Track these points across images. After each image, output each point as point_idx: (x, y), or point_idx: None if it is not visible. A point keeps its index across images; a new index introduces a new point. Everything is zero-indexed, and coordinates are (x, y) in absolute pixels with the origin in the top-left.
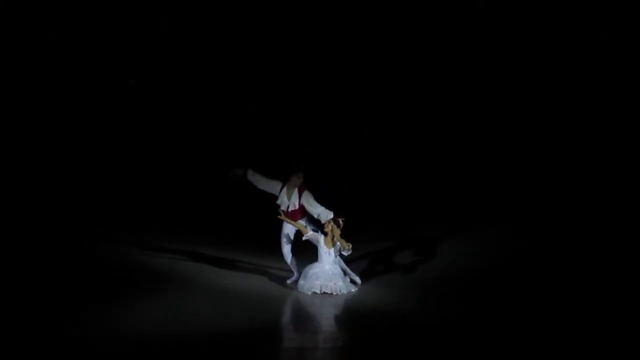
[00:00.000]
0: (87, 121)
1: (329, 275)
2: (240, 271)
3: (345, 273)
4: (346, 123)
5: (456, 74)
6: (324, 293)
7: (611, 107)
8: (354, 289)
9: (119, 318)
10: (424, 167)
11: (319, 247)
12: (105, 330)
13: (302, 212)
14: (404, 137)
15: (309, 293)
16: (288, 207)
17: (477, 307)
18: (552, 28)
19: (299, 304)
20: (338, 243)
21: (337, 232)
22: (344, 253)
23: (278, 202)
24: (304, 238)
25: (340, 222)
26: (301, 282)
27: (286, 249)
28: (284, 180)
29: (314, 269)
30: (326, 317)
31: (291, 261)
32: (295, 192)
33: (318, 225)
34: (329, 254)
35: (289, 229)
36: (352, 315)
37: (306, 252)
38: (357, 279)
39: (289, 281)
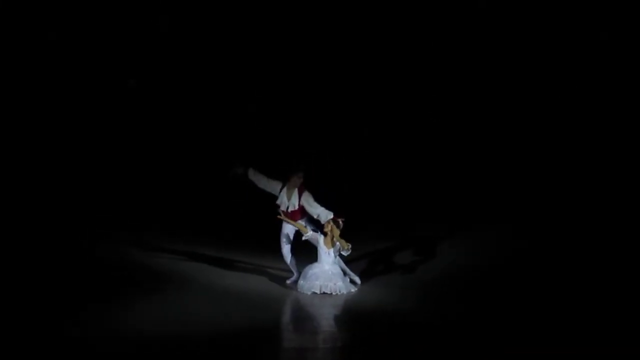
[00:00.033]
0: (87, 121)
1: (328, 275)
2: (240, 271)
3: (345, 273)
4: (346, 123)
5: (456, 74)
6: (324, 293)
7: (611, 107)
8: (353, 289)
9: (119, 318)
10: (424, 167)
11: (318, 248)
12: (105, 330)
13: (301, 213)
14: (404, 137)
15: (309, 293)
16: (288, 207)
17: (477, 307)
18: (552, 28)
19: (298, 304)
20: (337, 243)
21: (337, 232)
22: (344, 253)
23: (278, 202)
24: (303, 238)
25: (340, 222)
26: (301, 282)
27: (286, 249)
28: (284, 180)
29: (314, 269)
30: (326, 318)
31: (291, 261)
32: (295, 192)
33: (317, 226)
34: (329, 254)
35: (288, 229)
36: (351, 316)
37: (306, 253)
38: (357, 279)
39: (288, 281)
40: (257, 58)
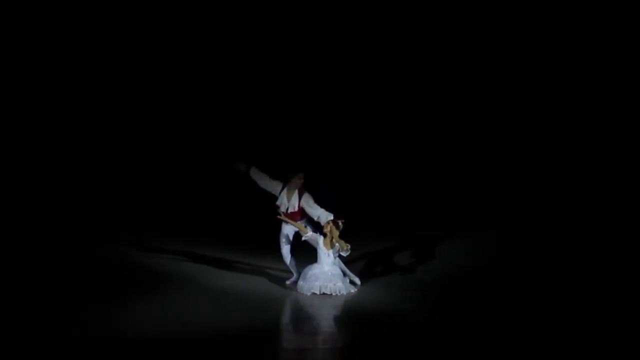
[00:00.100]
0: (87, 121)
1: (328, 276)
2: (239, 272)
3: (344, 274)
4: (346, 123)
5: (456, 74)
6: (323, 294)
7: (611, 107)
8: (353, 290)
9: (119, 318)
10: (424, 167)
11: (318, 248)
12: (105, 330)
13: (301, 214)
14: (404, 137)
15: (308, 294)
16: (287, 208)
17: (477, 307)
18: (552, 28)
19: (298, 304)
20: (337, 244)
21: (336, 233)
22: (343, 254)
23: (278, 203)
24: (303, 238)
25: (340, 223)
26: (300, 283)
27: (285, 250)
28: (285, 181)
29: (313, 270)
30: (325, 318)
31: (290, 262)
32: (296, 193)
33: (317, 227)
34: (328, 255)
35: (288, 229)
36: (351, 316)
37: (305, 253)
38: (357, 280)
39: (288, 282)
40: (257, 58)
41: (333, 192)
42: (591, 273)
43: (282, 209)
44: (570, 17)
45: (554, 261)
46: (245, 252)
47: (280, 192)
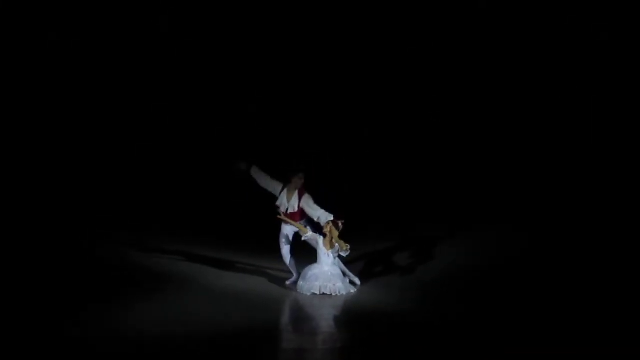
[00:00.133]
0: (87, 121)
1: (328, 276)
2: (239, 272)
3: (344, 274)
4: (346, 123)
5: (456, 74)
6: (323, 294)
7: (611, 107)
8: (353, 290)
9: (119, 318)
10: (424, 167)
11: (317, 249)
12: (105, 330)
13: (301, 215)
14: (404, 137)
15: (308, 294)
16: (287, 209)
17: (477, 307)
18: (552, 28)
19: (298, 305)
20: (336, 244)
21: (336, 233)
22: (342, 254)
23: (277, 203)
24: (303, 239)
25: (340, 224)
26: (300, 283)
27: (285, 250)
28: (285, 181)
29: (313, 270)
30: (325, 318)
31: (290, 262)
32: (296, 194)
33: (316, 228)
34: (328, 255)
35: (288, 230)
36: (351, 316)
37: (305, 254)
38: (357, 280)
39: (288, 282)
40: (257, 58)
41: (333, 192)
42: (591, 273)
43: (282, 210)
44: (570, 17)
45: (554, 261)
46: (245, 252)
47: (280, 193)
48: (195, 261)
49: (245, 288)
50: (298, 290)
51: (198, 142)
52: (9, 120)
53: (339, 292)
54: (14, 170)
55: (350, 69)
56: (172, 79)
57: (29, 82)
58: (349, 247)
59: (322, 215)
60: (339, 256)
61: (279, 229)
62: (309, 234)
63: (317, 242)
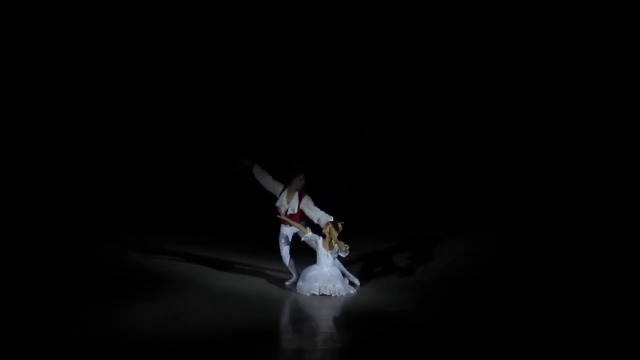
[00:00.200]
0: (87, 121)
1: (327, 277)
2: (239, 272)
3: (344, 275)
4: (346, 123)
5: (456, 74)
6: (323, 295)
7: (611, 107)
8: (352, 291)
9: (119, 318)
10: (424, 167)
11: (317, 249)
12: (105, 330)
13: (300, 217)
14: (404, 137)
15: (308, 295)
16: (287, 210)
17: (477, 307)
18: (552, 28)
19: (297, 305)
20: (336, 245)
21: (335, 234)
22: (341, 254)
23: (277, 204)
24: (302, 239)
25: (339, 225)
26: (300, 283)
27: (285, 251)
28: (286, 182)
29: (313, 271)
30: (325, 319)
31: (290, 263)
32: (296, 196)
33: (316, 229)
34: (327, 256)
35: (287, 230)
36: (350, 317)
37: (305, 254)
38: (356, 281)
39: (287, 283)
40: (257, 58)
41: (333, 192)
42: (591, 273)
43: (282, 211)
44: (570, 17)
45: (554, 261)
46: (245, 253)
47: (280, 194)
48: (195, 261)
49: (245, 288)
50: (297, 291)
51: (198, 142)
52: (9, 120)
53: (339, 293)
54: (14, 171)
55: (350, 69)
56: (172, 79)
57: (29, 82)
58: (348, 247)
59: (322, 217)
60: (339, 257)
61: (278, 230)
62: (308, 235)
63: (316, 243)
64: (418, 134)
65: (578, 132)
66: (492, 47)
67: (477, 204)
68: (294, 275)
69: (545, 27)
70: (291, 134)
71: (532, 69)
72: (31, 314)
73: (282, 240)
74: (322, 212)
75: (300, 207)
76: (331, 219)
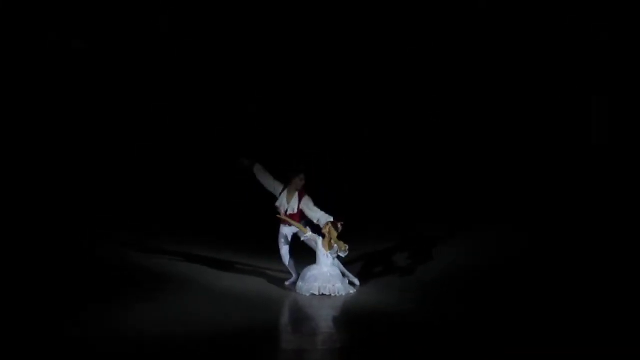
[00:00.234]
0: (87, 121)
1: (327, 277)
2: (239, 272)
3: (343, 275)
4: (346, 123)
5: (456, 74)
6: (323, 295)
7: (611, 107)
8: (352, 291)
9: (119, 318)
10: (424, 167)
11: (317, 250)
12: (105, 330)
13: (300, 217)
14: (404, 137)
15: (308, 295)
16: (287, 210)
17: (477, 307)
18: (552, 28)
19: (297, 305)
20: (335, 245)
21: (335, 234)
22: (341, 254)
23: (277, 204)
24: (302, 239)
25: (339, 225)
26: (299, 283)
27: (284, 251)
28: (286, 182)
29: (312, 271)
30: (325, 319)
31: (289, 263)
32: (296, 196)
33: (315, 230)
34: (327, 256)
35: (287, 230)
36: (350, 317)
37: (305, 254)
38: (356, 281)
39: (287, 283)
40: (257, 58)
41: (333, 192)
42: (591, 273)
43: (282, 211)
44: (570, 17)
45: (554, 261)
46: (245, 253)
47: (280, 194)
48: (195, 261)
49: (245, 288)
50: (297, 291)
51: (198, 142)
52: (9, 120)
53: (338, 293)
54: (14, 171)
55: (350, 69)
56: (172, 79)
57: (29, 82)
58: (347, 247)
59: (321, 218)
60: (338, 257)
61: (278, 230)
62: (308, 234)
63: (316, 243)
64: (418, 134)
65: (578, 131)
66: (492, 47)
67: (477, 204)
68: (294, 275)
69: (545, 27)
70: (291, 134)
71: (532, 69)
72: (31, 314)
73: (281, 240)
74: (322, 213)
75: (300, 207)
76: (331, 219)
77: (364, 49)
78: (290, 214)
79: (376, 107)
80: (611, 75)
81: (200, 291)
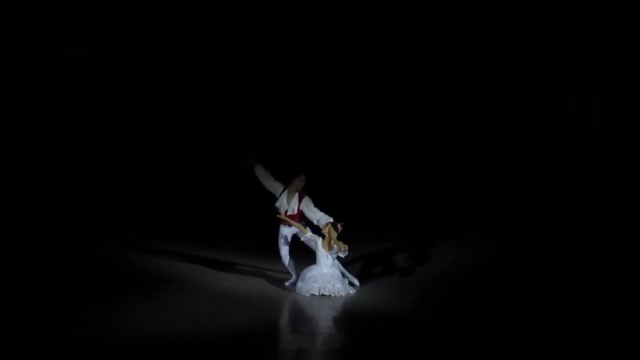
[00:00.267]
0: (87, 121)
1: (327, 277)
2: (239, 273)
3: (343, 275)
4: (346, 123)
5: (456, 74)
6: (322, 295)
7: (611, 107)
8: (352, 291)
9: (119, 318)
10: (424, 167)
11: (316, 250)
12: (105, 330)
13: (300, 218)
14: (404, 137)
15: (307, 295)
16: (287, 211)
17: (477, 307)
18: (552, 28)
19: (297, 306)
20: (335, 246)
21: (334, 234)
22: (340, 254)
23: (277, 204)
24: (302, 239)
25: (339, 226)
26: (299, 284)
27: (284, 251)
28: (287, 183)
29: (312, 272)
30: (324, 319)
31: (289, 263)
32: (296, 196)
33: (315, 230)
34: (327, 256)
35: (286, 230)
36: (350, 317)
37: (304, 255)
38: (356, 281)
39: (287, 283)
40: (257, 58)
41: (333, 192)
42: (591, 273)
43: (282, 211)
44: (570, 17)
45: (554, 261)
46: (245, 253)
47: (280, 194)
48: (195, 261)
49: (245, 289)
50: (297, 292)
51: (198, 142)
52: (9, 120)
53: (338, 293)
54: (14, 171)
55: (350, 69)
56: (172, 79)
57: (29, 82)
58: (347, 248)
59: (321, 218)
60: (338, 257)
61: (278, 230)
62: (308, 235)
63: (315, 244)
64: (418, 134)
65: (578, 131)
66: (492, 47)
67: (477, 204)
68: (294, 276)
69: (545, 27)
70: (291, 134)
71: (532, 69)
72: (31, 314)
73: (281, 241)
74: (322, 213)
75: (300, 208)
76: (331, 220)
77: (364, 49)
78: (290, 215)
79: (376, 107)
80: (611, 75)
81: (200, 291)
